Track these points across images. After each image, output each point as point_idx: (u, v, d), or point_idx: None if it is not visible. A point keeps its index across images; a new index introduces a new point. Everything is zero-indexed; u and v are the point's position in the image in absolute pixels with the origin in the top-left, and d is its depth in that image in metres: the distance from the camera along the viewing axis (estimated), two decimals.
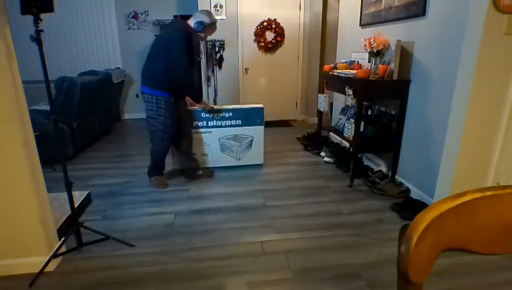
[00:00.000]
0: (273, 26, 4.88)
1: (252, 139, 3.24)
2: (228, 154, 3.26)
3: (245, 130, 3.20)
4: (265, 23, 4.87)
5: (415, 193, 2.57)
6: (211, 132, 3.16)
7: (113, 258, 1.85)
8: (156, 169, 2.87)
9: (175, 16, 5.12)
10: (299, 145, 4.03)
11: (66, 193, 1.83)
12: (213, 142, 3.19)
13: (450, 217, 0.50)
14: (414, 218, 0.51)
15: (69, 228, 1.93)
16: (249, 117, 3.17)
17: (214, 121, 3.14)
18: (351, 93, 2.67)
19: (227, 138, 3.21)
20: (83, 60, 5.34)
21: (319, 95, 3.46)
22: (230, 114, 3.15)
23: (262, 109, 3.18)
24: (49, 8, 1.49)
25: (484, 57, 1.79)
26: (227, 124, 3.17)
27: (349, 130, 2.93)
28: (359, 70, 2.66)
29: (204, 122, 3.12)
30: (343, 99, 3.76)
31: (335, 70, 3.13)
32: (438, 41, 2.26)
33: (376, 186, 2.68)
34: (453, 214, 0.50)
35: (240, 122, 3.18)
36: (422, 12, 2.38)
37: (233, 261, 1.83)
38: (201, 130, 3.14)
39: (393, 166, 2.81)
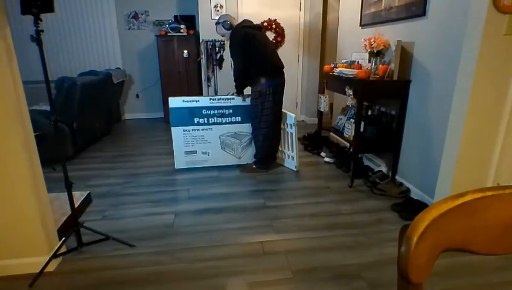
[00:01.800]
0: (273, 26, 4.88)
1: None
2: (229, 153, 3.27)
3: (245, 127, 3.21)
4: (265, 24, 4.86)
5: (415, 193, 2.57)
6: (211, 128, 3.17)
7: (113, 259, 1.85)
8: None
9: (175, 16, 5.12)
10: (299, 145, 4.03)
11: (66, 193, 1.83)
12: (214, 139, 3.20)
13: (450, 218, 0.50)
14: (414, 218, 0.51)
15: (69, 228, 1.93)
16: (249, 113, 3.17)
17: (215, 118, 3.15)
18: (351, 93, 2.67)
19: (227, 135, 3.22)
20: (83, 60, 5.35)
21: (319, 95, 3.46)
22: (231, 111, 3.16)
23: None
24: (50, 8, 1.49)
25: (484, 57, 1.79)
26: (227, 120, 3.18)
27: (349, 130, 2.93)
28: (359, 70, 2.66)
29: (205, 118, 3.13)
30: (343, 100, 3.76)
31: (335, 70, 3.13)
32: (438, 41, 2.26)
33: (376, 186, 2.68)
34: (453, 214, 0.50)
35: (239, 119, 3.19)
36: (422, 13, 2.38)
37: (234, 261, 1.83)
38: (202, 127, 3.15)
39: (394, 166, 2.81)
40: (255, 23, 3.07)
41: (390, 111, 2.90)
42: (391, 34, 2.81)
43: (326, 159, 3.44)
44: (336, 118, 3.53)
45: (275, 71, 2.99)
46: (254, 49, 2.87)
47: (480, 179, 2.04)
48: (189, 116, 3.10)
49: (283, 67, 3.06)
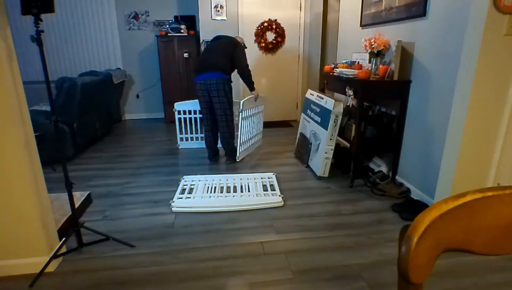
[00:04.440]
0: (274, 26, 4.88)
1: None
2: None
3: None
4: (265, 24, 4.87)
5: (416, 194, 2.56)
6: None
7: (114, 259, 1.85)
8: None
9: (175, 17, 5.13)
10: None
11: (66, 193, 1.83)
12: None
13: (450, 218, 0.50)
14: (414, 218, 0.51)
15: (70, 228, 1.93)
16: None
17: None
18: (352, 93, 2.67)
19: None
20: (83, 61, 5.35)
21: None
22: None
23: None
24: (50, 9, 1.49)
25: (484, 57, 1.79)
26: None
27: (350, 131, 2.93)
28: (360, 70, 2.66)
29: None
30: (344, 100, 3.76)
31: (336, 70, 3.13)
32: (439, 41, 2.26)
33: (376, 186, 2.68)
34: (453, 214, 0.50)
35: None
36: (422, 13, 2.38)
37: (234, 261, 1.83)
38: None
39: (394, 166, 2.81)
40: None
41: (391, 111, 2.90)
42: (391, 34, 2.81)
43: None
44: None
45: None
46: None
47: (480, 179, 2.03)
48: None
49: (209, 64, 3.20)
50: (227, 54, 3.17)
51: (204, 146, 3.48)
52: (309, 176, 3.06)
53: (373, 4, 3.11)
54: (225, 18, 4.75)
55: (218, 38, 3.33)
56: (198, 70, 3.17)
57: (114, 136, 4.58)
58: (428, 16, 2.36)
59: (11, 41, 1.52)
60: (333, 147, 2.90)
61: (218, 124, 3.25)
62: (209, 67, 3.11)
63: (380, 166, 3.13)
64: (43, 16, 1.50)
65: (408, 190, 2.64)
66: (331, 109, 2.80)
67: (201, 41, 4.84)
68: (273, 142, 4.16)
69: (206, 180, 2.85)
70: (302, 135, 3.50)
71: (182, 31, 4.94)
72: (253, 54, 4.97)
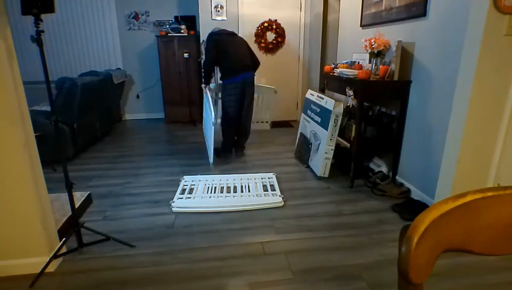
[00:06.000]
0: (274, 26, 4.88)
1: None
2: None
3: None
4: (265, 24, 4.87)
5: (416, 194, 2.56)
6: None
7: (114, 259, 1.85)
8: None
9: (175, 17, 5.13)
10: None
11: (66, 193, 1.83)
12: None
13: (450, 218, 0.50)
14: (415, 219, 0.51)
15: (70, 228, 1.93)
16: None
17: None
18: (352, 94, 2.67)
19: None
20: (83, 61, 5.35)
21: None
22: None
23: None
24: (50, 9, 1.49)
25: (485, 57, 1.79)
26: None
27: (350, 131, 2.93)
28: (360, 71, 2.66)
29: None
30: (343, 100, 3.75)
31: (336, 70, 3.13)
32: (439, 41, 2.26)
33: (377, 187, 2.68)
34: (453, 214, 0.50)
35: None
36: (423, 13, 2.38)
37: (234, 261, 1.83)
38: None
39: (394, 167, 2.81)
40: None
41: (391, 112, 2.90)
42: (392, 34, 2.80)
43: None
44: None
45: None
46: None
47: (480, 179, 2.03)
48: None
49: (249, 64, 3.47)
50: (250, 52, 3.54)
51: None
52: (309, 176, 3.06)
53: (373, 4, 3.11)
54: (225, 18, 4.75)
55: (231, 34, 3.47)
56: (236, 70, 3.36)
57: (114, 136, 4.58)
58: (428, 16, 2.36)
59: (11, 42, 1.52)
60: (333, 147, 2.90)
61: (245, 113, 3.49)
62: (246, 67, 3.43)
63: (380, 166, 3.13)
64: (43, 16, 1.50)
65: (408, 190, 2.64)
66: (331, 109, 2.81)
67: (201, 41, 4.84)
68: (273, 142, 4.16)
69: (206, 181, 2.86)
70: (302, 135, 3.50)
71: (182, 31, 4.94)
72: None
